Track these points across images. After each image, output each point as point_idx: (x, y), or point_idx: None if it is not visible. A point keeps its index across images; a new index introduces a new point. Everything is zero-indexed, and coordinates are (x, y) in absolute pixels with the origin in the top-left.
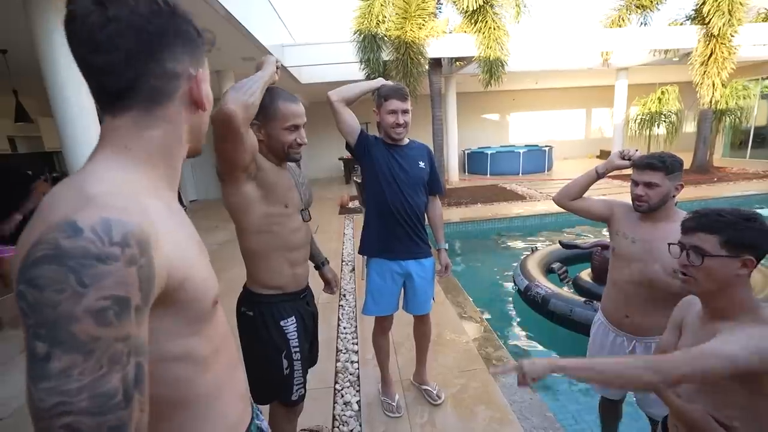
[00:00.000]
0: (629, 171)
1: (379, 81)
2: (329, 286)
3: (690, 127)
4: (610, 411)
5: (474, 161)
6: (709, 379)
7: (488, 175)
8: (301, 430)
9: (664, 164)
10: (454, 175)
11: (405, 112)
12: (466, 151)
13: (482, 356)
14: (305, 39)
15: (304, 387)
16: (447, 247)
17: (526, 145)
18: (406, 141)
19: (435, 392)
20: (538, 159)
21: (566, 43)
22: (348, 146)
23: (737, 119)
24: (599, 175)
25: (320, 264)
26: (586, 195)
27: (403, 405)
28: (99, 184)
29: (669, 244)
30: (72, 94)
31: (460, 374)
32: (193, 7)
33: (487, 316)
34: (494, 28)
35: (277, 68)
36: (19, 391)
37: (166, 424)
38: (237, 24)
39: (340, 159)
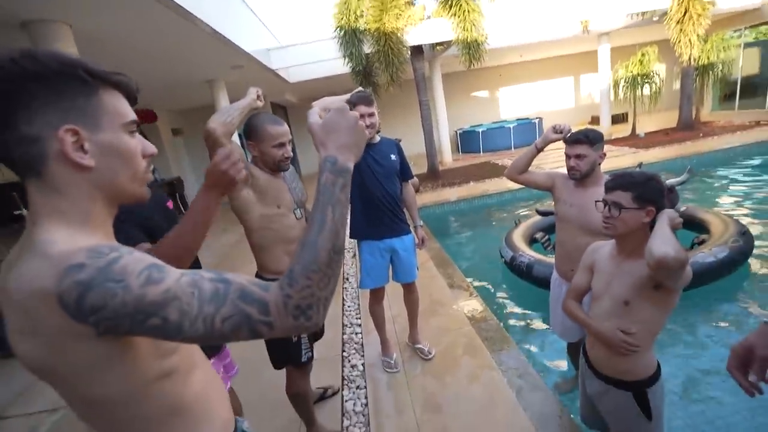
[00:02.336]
0: None
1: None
2: None
3: (678, 85)
4: (576, 350)
5: (466, 140)
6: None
7: (481, 153)
8: (317, 388)
9: (588, 138)
10: (447, 156)
11: (371, 115)
12: (458, 131)
13: (467, 316)
14: (290, 41)
15: (312, 351)
16: (422, 224)
17: (516, 119)
18: (377, 139)
19: (426, 349)
20: (528, 132)
21: (544, 15)
22: None
23: (721, 72)
24: (538, 150)
25: None
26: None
27: (400, 362)
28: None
29: (596, 202)
30: None
31: (448, 333)
32: (181, 29)
33: (476, 284)
34: (468, 11)
35: (258, 96)
36: None
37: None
38: (223, 39)
39: None
